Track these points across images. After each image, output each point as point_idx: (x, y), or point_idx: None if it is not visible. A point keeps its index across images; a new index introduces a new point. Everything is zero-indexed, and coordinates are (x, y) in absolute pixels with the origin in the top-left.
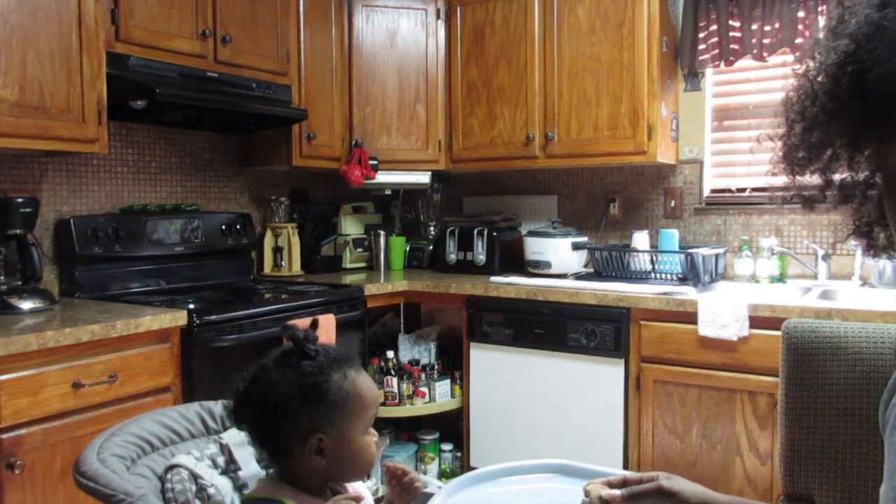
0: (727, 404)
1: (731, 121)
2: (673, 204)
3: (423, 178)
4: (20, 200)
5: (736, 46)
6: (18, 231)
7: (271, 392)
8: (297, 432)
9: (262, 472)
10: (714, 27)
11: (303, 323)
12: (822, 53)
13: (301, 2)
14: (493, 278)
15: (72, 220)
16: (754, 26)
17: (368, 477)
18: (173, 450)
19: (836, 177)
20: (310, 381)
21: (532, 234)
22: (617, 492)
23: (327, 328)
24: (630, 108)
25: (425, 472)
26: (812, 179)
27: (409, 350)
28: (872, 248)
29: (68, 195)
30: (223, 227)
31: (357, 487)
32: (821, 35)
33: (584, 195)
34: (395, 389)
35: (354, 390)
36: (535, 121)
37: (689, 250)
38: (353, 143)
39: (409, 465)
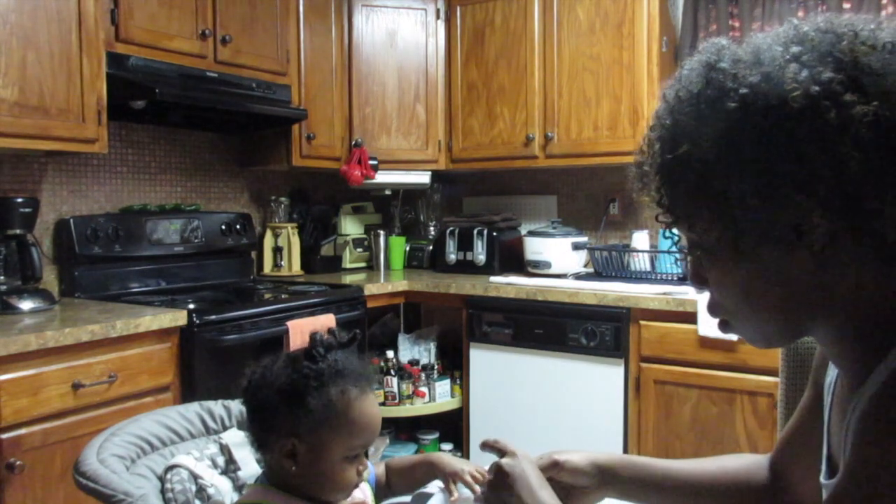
0: (727, 404)
1: None
2: None
3: (423, 178)
4: (20, 200)
5: None
6: (18, 231)
7: (266, 384)
8: (277, 430)
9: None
10: (714, 27)
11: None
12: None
13: (301, 2)
14: (493, 278)
15: (72, 221)
16: (754, 26)
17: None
18: (173, 450)
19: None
20: (300, 383)
21: (532, 234)
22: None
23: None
24: (630, 108)
25: None
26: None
27: (409, 350)
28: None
29: (68, 195)
30: (223, 227)
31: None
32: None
33: (584, 195)
34: (395, 389)
35: (346, 410)
36: (534, 121)
37: None
38: (353, 143)
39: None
